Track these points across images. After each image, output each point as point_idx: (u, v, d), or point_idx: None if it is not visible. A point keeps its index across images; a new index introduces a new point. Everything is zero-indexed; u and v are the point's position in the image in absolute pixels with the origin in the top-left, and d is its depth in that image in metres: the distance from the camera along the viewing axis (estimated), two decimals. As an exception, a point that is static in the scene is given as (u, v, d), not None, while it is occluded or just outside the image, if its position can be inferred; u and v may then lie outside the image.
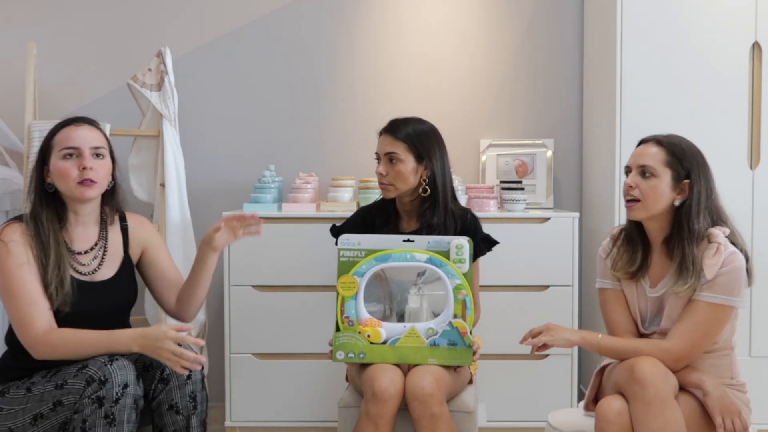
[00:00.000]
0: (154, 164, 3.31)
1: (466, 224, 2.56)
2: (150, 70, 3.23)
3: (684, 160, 2.22)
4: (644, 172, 2.23)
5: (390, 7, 3.69)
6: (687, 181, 2.21)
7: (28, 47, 3.23)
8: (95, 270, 2.26)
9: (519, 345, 2.33)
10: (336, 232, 2.67)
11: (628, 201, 2.26)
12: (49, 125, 3.12)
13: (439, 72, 3.70)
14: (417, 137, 2.53)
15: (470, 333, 2.33)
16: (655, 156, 2.23)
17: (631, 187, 2.24)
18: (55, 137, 2.25)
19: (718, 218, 2.22)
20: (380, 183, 2.55)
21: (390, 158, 2.52)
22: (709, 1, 3.16)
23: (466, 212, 2.60)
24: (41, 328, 2.10)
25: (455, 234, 2.51)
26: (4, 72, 3.65)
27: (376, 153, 2.58)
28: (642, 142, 2.31)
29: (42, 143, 2.27)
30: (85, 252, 2.26)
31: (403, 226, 2.59)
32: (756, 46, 3.17)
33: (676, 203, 2.21)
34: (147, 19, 3.68)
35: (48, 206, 2.22)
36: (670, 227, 2.23)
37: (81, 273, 2.24)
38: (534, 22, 3.69)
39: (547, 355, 3.18)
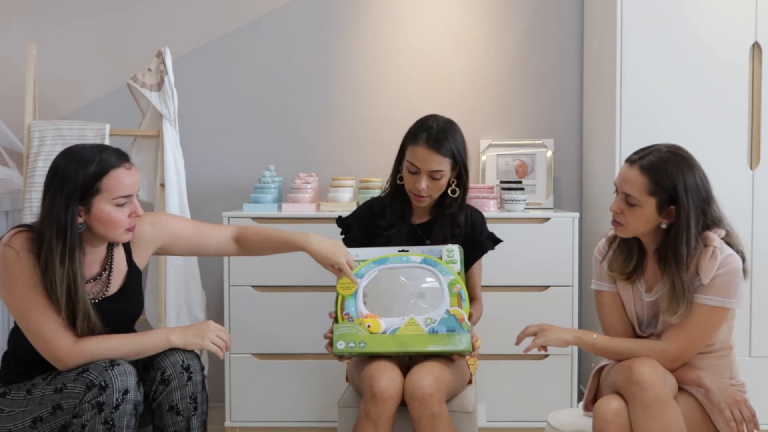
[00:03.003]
0: (154, 164, 3.31)
1: (474, 217, 2.59)
2: (150, 70, 3.23)
3: (667, 186, 2.13)
4: (628, 199, 2.19)
5: (389, 8, 3.69)
6: (672, 207, 2.15)
7: (28, 47, 3.23)
8: (104, 293, 2.20)
9: (519, 345, 2.34)
10: (342, 223, 2.67)
11: (613, 220, 2.25)
12: (50, 125, 3.14)
13: (440, 72, 3.70)
14: (457, 150, 2.47)
15: (467, 319, 2.35)
16: (637, 184, 2.16)
17: (616, 212, 2.22)
18: (103, 181, 2.07)
19: (714, 227, 2.18)
20: (417, 195, 2.49)
21: (433, 176, 2.46)
22: (709, 1, 3.16)
23: (474, 209, 2.63)
24: (69, 340, 2.06)
25: (464, 224, 2.54)
26: (4, 72, 3.64)
27: (413, 164, 2.45)
28: (628, 161, 2.23)
29: (80, 180, 2.05)
30: (93, 279, 2.19)
31: (414, 218, 2.59)
32: (756, 46, 3.17)
33: (663, 226, 2.18)
34: (147, 19, 3.68)
35: (73, 250, 2.06)
36: (661, 240, 2.21)
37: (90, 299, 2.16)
38: (534, 22, 3.69)
39: (547, 355, 3.18)
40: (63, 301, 2.05)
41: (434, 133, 2.46)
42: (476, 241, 2.57)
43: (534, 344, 2.28)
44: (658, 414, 2.02)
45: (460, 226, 2.54)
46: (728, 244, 2.17)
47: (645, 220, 2.18)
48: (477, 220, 2.60)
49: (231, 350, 3.23)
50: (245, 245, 2.43)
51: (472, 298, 2.62)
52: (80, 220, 2.09)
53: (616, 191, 2.25)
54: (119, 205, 2.10)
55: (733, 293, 2.13)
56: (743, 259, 2.18)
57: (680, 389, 2.19)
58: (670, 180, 2.14)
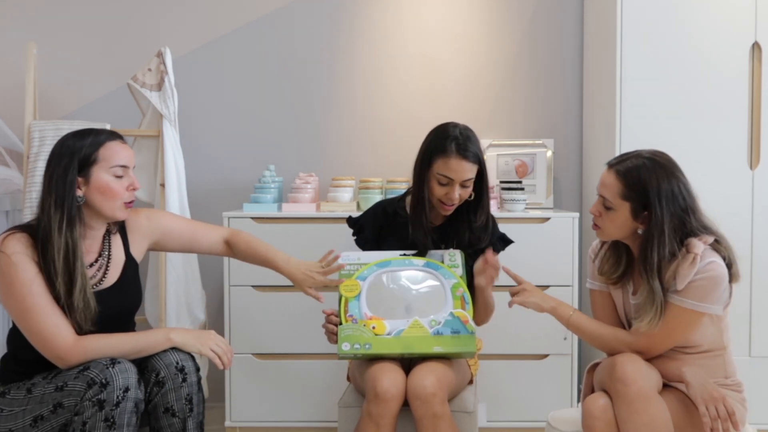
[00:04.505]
0: (154, 164, 3.31)
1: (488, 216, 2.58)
2: (150, 70, 3.23)
3: (640, 192, 2.15)
4: (605, 202, 2.21)
5: (390, 8, 3.69)
6: (647, 212, 2.16)
7: (28, 47, 3.23)
8: (101, 281, 2.22)
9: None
10: (354, 223, 2.67)
11: (593, 224, 2.27)
12: (50, 125, 3.14)
13: (439, 72, 3.70)
14: (480, 153, 2.47)
15: (471, 321, 2.35)
16: (612, 188, 2.18)
17: (594, 215, 2.25)
18: (99, 151, 2.14)
19: (699, 233, 2.17)
20: (445, 205, 2.47)
21: (464, 184, 2.44)
22: (709, 1, 3.16)
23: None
24: (70, 338, 2.07)
25: (481, 235, 2.54)
26: (4, 72, 3.65)
27: (445, 176, 2.41)
28: (607, 164, 2.25)
29: (76, 153, 2.12)
30: (91, 265, 2.21)
31: (432, 218, 2.56)
32: (756, 46, 3.17)
33: (640, 231, 2.19)
34: (147, 19, 3.68)
35: (72, 220, 2.10)
36: (639, 250, 2.21)
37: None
38: (534, 22, 3.69)
39: (547, 355, 3.18)
40: (60, 272, 2.06)
41: (462, 142, 2.44)
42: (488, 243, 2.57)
43: (512, 302, 2.33)
44: (642, 409, 2.03)
45: (474, 232, 2.52)
46: (716, 250, 2.16)
47: (620, 224, 2.20)
48: (490, 218, 2.59)
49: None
50: (234, 250, 2.49)
51: None
52: (80, 192, 2.13)
53: (598, 194, 2.26)
54: (117, 176, 2.16)
55: (709, 299, 2.12)
56: (730, 265, 2.16)
57: (669, 386, 2.19)
58: (643, 186, 2.15)
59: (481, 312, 2.50)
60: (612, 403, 2.09)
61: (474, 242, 2.53)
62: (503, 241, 2.63)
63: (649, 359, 2.18)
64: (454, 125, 2.49)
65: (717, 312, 2.16)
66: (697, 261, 2.11)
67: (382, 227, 2.60)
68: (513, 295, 2.35)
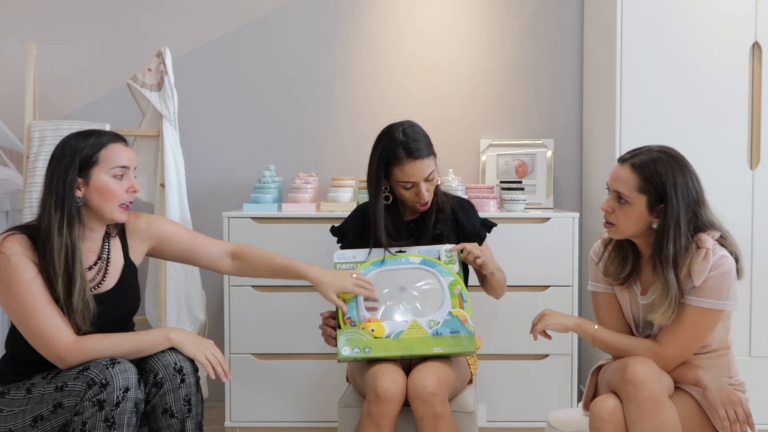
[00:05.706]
0: (154, 164, 3.31)
1: (463, 205, 2.61)
2: (150, 70, 3.23)
3: (658, 184, 2.15)
4: (619, 197, 2.20)
5: (390, 8, 3.69)
6: (662, 205, 2.16)
7: (28, 47, 3.23)
8: (99, 284, 2.22)
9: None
10: (336, 231, 2.67)
11: (605, 222, 2.26)
12: (50, 125, 3.15)
13: (439, 72, 3.70)
14: (431, 144, 2.50)
15: (470, 320, 2.35)
16: (628, 182, 2.18)
17: (607, 211, 2.24)
18: (101, 152, 2.15)
19: (707, 229, 2.18)
20: (421, 204, 2.49)
21: (428, 178, 2.46)
22: (709, 1, 3.16)
23: (461, 198, 2.67)
24: (70, 338, 2.07)
25: (452, 211, 2.57)
26: (4, 72, 3.65)
27: (408, 181, 2.45)
28: (619, 160, 2.25)
29: (77, 153, 2.13)
30: (90, 268, 2.21)
31: (407, 215, 2.59)
32: (756, 46, 3.17)
33: (654, 226, 2.19)
34: (147, 19, 3.68)
35: (72, 221, 2.10)
36: (654, 243, 2.21)
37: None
38: (534, 22, 3.69)
39: (547, 355, 3.18)
40: (60, 273, 2.06)
41: (409, 143, 2.44)
42: (470, 230, 2.58)
43: (535, 331, 2.31)
44: (652, 412, 2.03)
45: (444, 212, 2.55)
46: (722, 245, 2.17)
47: (636, 218, 2.19)
48: (466, 208, 2.62)
49: (231, 350, 3.22)
50: (243, 262, 2.45)
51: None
52: (79, 193, 2.13)
53: (608, 191, 2.26)
54: (117, 177, 2.16)
55: (725, 295, 2.13)
56: (737, 260, 2.18)
57: (679, 389, 2.19)
58: (660, 178, 2.15)
59: (494, 286, 2.55)
60: (621, 406, 2.08)
61: (442, 230, 2.54)
62: (486, 226, 2.63)
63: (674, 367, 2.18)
64: (398, 126, 2.50)
65: (733, 308, 2.17)
66: (710, 255, 2.12)
67: (365, 229, 2.59)
68: (534, 325, 2.33)
